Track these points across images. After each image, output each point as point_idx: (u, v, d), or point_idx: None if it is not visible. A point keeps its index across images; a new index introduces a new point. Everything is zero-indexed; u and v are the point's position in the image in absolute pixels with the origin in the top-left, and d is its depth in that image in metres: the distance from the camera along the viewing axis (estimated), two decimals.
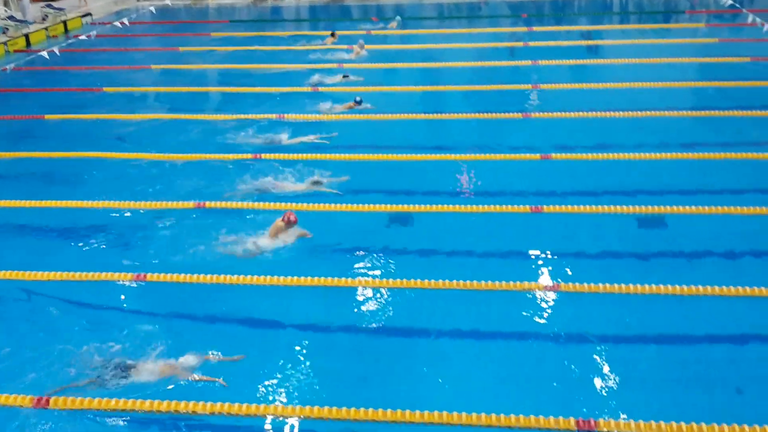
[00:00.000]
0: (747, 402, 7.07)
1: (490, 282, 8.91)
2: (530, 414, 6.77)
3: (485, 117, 14.95)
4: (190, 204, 11.29)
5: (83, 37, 23.62)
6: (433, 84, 17.90)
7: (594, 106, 14.92)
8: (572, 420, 6.72)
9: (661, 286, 8.69)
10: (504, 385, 7.44)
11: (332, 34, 21.95)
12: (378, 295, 9.01)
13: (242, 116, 15.36)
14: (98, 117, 15.89)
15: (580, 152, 12.75)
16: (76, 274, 9.44)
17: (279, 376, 7.60)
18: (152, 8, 29.15)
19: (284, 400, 7.23)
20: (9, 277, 9.51)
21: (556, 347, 7.98)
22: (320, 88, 17.30)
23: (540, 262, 9.61)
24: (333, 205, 11.13)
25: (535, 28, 23.64)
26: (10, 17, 25.16)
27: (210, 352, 7.85)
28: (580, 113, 14.59)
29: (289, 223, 10.00)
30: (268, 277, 9.19)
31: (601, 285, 8.80)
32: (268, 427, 6.96)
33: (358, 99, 15.54)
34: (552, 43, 21.12)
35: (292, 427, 6.94)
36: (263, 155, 13.13)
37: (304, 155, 13.06)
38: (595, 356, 7.78)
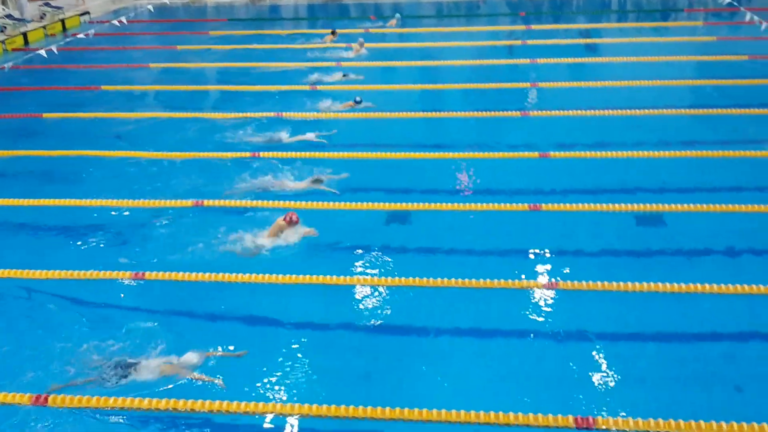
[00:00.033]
0: (745, 400, 7.08)
1: (488, 280, 8.93)
2: (529, 412, 6.79)
3: (484, 115, 14.96)
4: (189, 202, 11.30)
5: (81, 35, 23.57)
6: (431, 82, 17.90)
7: (592, 104, 14.95)
8: (571, 418, 6.73)
9: (659, 284, 8.72)
10: (502, 383, 7.45)
11: (333, 33, 21.94)
12: (377, 293, 9.02)
13: (241, 115, 15.36)
14: (97, 116, 15.88)
15: (579, 150, 12.76)
16: (75, 273, 9.44)
17: (279, 374, 7.60)
18: (150, 7, 29.11)
19: (284, 399, 7.24)
20: (8, 275, 9.51)
21: (555, 345, 7.98)
22: (319, 87, 17.30)
23: (539, 261, 9.61)
24: (332, 203, 11.14)
25: (534, 27, 23.64)
26: (8, 16, 25.14)
27: (212, 348, 7.86)
28: (579, 111, 14.61)
29: (291, 223, 10.00)
30: (268, 275, 9.20)
31: (599, 283, 8.82)
32: (268, 425, 6.96)
33: (357, 99, 15.53)
34: (550, 41, 21.13)
35: (291, 425, 6.94)
36: (262, 153, 13.12)
37: (303, 153, 13.06)
38: (593, 354, 7.79)
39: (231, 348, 7.95)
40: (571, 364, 7.64)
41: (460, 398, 7.08)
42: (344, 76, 17.59)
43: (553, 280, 9.09)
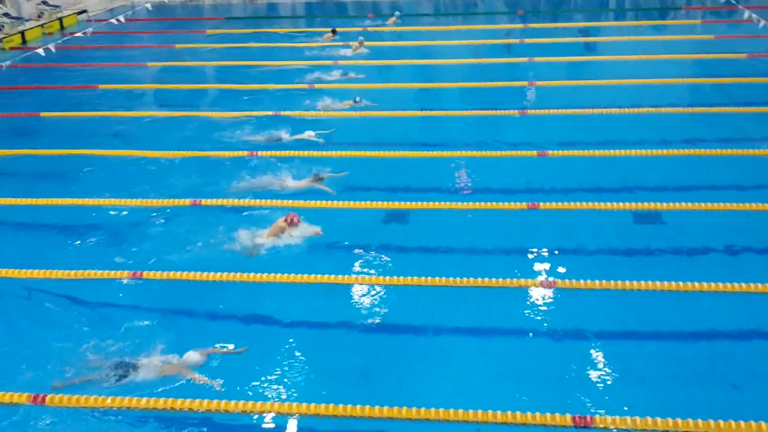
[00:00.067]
0: (744, 398, 7.08)
1: (487, 279, 8.94)
2: (527, 410, 6.79)
3: (482, 114, 14.96)
4: (188, 201, 11.29)
5: (79, 34, 23.55)
6: (430, 81, 17.90)
7: (590, 102, 14.96)
8: (569, 416, 6.74)
9: (657, 282, 8.72)
10: (501, 382, 7.45)
11: (333, 32, 21.93)
12: (377, 292, 9.02)
13: (240, 113, 15.35)
14: (95, 114, 15.88)
15: (577, 149, 12.77)
16: (74, 272, 9.44)
17: (278, 373, 7.59)
18: (148, 5, 29.08)
19: (283, 398, 7.23)
20: (7, 275, 9.50)
21: (553, 344, 7.98)
22: (317, 85, 17.29)
23: (538, 259, 9.61)
24: (331, 202, 11.14)
25: (532, 25, 23.65)
26: (6, 14, 25.09)
27: (215, 345, 7.87)
28: (577, 110, 14.62)
29: (292, 224, 10.00)
30: (268, 274, 9.20)
31: (597, 282, 8.83)
32: (268, 424, 6.96)
33: (357, 99, 15.53)
34: (548, 40, 21.12)
35: (291, 424, 6.93)
36: (261, 153, 13.11)
37: (302, 152, 13.05)
38: (592, 353, 7.80)
39: (231, 347, 7.95)
40: (569, 362, 7.64)
41: (459, 397, 7.08)
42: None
43: (551, 278, 9.09)
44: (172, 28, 25.11)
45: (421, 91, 17.25)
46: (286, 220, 10.02)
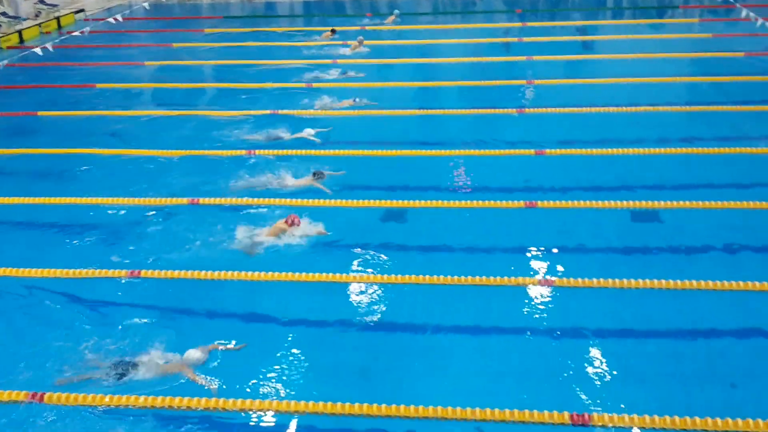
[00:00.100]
0: (741, 396, 7.09)
1: (485, 277, 8.94)
2: (525, 408, 6.80)
3: (481, 113, 14.97)
4: (186, 200, 11.29)
5: (76, 33, 23.51)
6: (428, 80, 17.90)
7: (588, 101, 14.97)
8: (566, 414, 6.74)
9: (655, 281, 8.73)
10: (499, 380, 7.45)
11: (332, 31, 21.92)
12: (376, 290, 9.02)
13: (238, 112, 15.34)
14: (92, 113, 15.85)
15: (575, 147, 12.78)
16: (71, 271, 9.42)
17: (277, 371, 7.59)
18: (145, 4, 29.04)
19: (282, 396, 7.23)
20: (5, 274, 9.49)
21: (552, 342, 7.99)
22: (316, 84, 17.28)
23: (536, 258, 9.62)
24: (329, 201, 11.13)
25: (530, 24, 23.66)
26: (3, 13, 25.03)
27: (215, 342, 7.88)
28: (575, 108, 14.62)
29: (293, 225, 10.00)
30: (267, 273, 9.19)
31: (595, 280, 8.84)
32: (268, 423, 6.96)
33: (356, 100, 15.53)
34: (547, 38, 21.13)
35: (291, 423, 6.94)
36: (259, 151, 13.11)
37: (301, 151, 13.05)
38: (590, 351, 7.80)
39: (232, 344, 7.95)
40: (566, 360, 7.65)
41: (458, 395, 7.09)
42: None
43: (549, 277, 9.10)
44: (169, 27, 25.08)
45: (419, 90, 17.26)
46: (286, 222, 10.01)
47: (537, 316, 8.43)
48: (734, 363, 7.56)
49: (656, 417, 6.66)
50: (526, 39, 21.16)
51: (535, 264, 9.49)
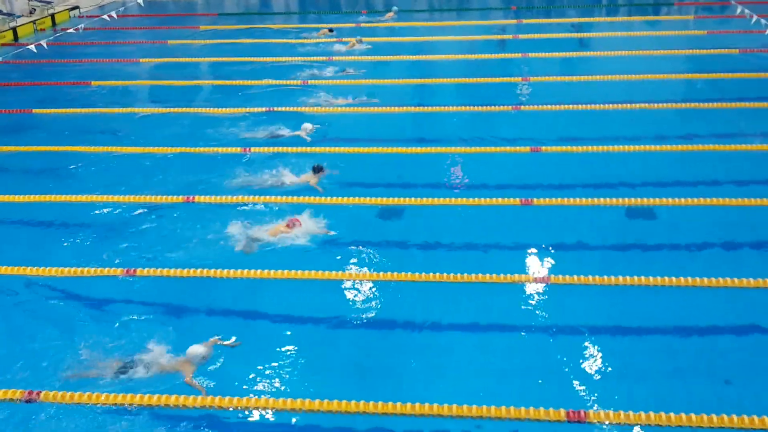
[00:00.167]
0: (739, 393, 7.12)
1: (482, 275, 8.95)
2: (522, 405, 6.81)
3: (477, 110, 14.97)
4: (183, 198, 11.26)
5: (71, 30, 23.44)
6: (424, 77, 17.89)
7: (584, 98, 14.98)
8: (562, 411, 6.76)
9: (651, 278, 8.75)
10: (496, 377, 7.47)
11: (330, 30, 21.90)
12: (374, 288, 9.03)
13: (234, 110, 15.31)
14: (87, 111, 15.80)
15: (571, 144, 12.78)
16: (67, 270, 9.40)
17: (276, 369, 7.60)
18: (140, 1, 28.94)
19: (281, 394, 7.23)
20: (3, 272, 9.46)
21: (549, 339, 8.01)
22: (312, 81, 17.24)
23: (533, 255, 9.64)
24: (326, 198, 11.12)
25: (525, 21, 23.66)
26: None
27: (214, 337, 7.88)
28: (571, 106, 14.63)
29: (294, 228, 9.99)
30: (264, 270, 9.17)
31: (591, 277, 8.86)
32: (267, 419, 6.97)
33: (353, 98, 15.50)
34: (542, 35, 21.13)
35: (290, 421, 6.94)
36: (255, 149, 13.09)
37: (297, 148, 13.02)
38: (587, 348, 7.83)
39: (228, 342, 7.95)
40: (563, 357, 7.67)
41: (456, 392, 7.11)
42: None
43: (545, 274, 9.11)
44: (164, 24, 24.99)
45: (416, 87, 17.26)
46: (288, 225, 10.01)
47: (535, 313, 8.45)
48: (732, 359, 7.59)
49: (652, 413, 6.68)
50: (522, 36, 21.17)
51: (531, 261, 9.50)
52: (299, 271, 9.15)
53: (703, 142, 12.71)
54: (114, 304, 8.82)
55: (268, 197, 11.17)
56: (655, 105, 14.67)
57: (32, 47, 20.46)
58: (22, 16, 25.43)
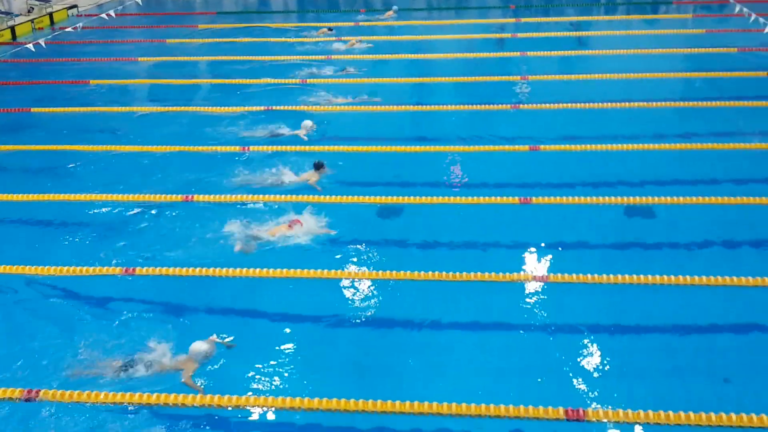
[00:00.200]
0: (739, 391, 7.13)
1: (481, 273, 8.94)
2: (521, 404, 6.82)
3: (476, 108, 14.97)
4: (183, 197, 11.26)
5: (69, 29, 23.42)
6: (423, 76, 17.89)
7: (583, 97, 14.97)
8: (561, 409, 6.77)
9: (650, 276, 8.76)
10: (496, 376, 7.48)
11: (329, 29, 21.89)
12: (373, 286, 9.03)
13: (233, 108, 15.30)
14: (86, 110, 15.78)
15: (570, 143, 12.79)
16: (67, 268, 9.39)
17: (275, 368, 7.61)
18: (138, 0, 28.92)
19: (280, 393, 7.23)
20: (3, 271, 9.46)
21: (548, 337, 8.02)
22: (311, 80, 17.24)
23: (532, 254, 9.65)
24: (325, 197, 11.12)
25: (524, 19, 23.66)
26: None
27: (213, 335, 7.88)
28: (569, 104, 14.63)
29: (294, 228, 10.00)
30: (264, 269, 9.17)
31: (590, 275, 8.86)
32: (266, 418, 6.97)
33: (352, 98, 15.50)
34: (541, 34, 21.14)
35: (290, 420, 6.94)
36: (254, 147, 13.08)
37: (296, 147, 13.02)
38: (586, 346, 7.84)
39: (226, 340, 7.96)
40: (562, 356, 7.68)
41: (454, 391, 7.12)
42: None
43: (544, 273, 9.12)
44: (163, 23, 24.97)
45: (415, 86, 17.26)
46: (290, 227, 10.01)
47: (533, 311, 8.46)
48: (731, 358, 7.61)
49: (651, 412, 6.69)
50: (520, 35, 21.17)
51: (530, 260, 9.52)
52: (298, 270, 9.15)
53: (701, 140, 12.72)
54: (113, 303, 8.82)
55: (267, 196, 11.17)
56: (654, 104, 14.68)
57: (30, 46, 20.44)
58: (21, 14, 25.40)
